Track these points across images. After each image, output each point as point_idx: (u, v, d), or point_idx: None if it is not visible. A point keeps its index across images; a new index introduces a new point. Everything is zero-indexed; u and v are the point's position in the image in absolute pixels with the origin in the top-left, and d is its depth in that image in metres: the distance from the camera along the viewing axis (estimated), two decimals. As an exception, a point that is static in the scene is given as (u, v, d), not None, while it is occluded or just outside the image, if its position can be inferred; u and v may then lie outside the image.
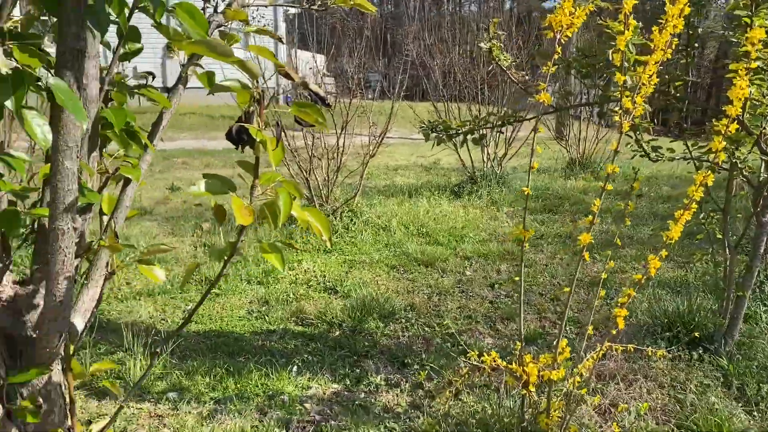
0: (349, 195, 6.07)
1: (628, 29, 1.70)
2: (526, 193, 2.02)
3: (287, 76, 0.88)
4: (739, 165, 2.42)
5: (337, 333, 3.40)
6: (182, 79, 1.12)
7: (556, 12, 1.93)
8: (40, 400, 0.95)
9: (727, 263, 2.89)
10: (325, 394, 2.74)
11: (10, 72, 0.66)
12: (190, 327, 3.41)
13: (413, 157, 10.87)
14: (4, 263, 0.95)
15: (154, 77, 1.14)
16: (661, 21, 1.81)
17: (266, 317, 3.63)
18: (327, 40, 6.78)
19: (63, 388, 1.02)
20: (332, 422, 2.50)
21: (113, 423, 1.00)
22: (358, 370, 2.96)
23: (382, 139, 6.01)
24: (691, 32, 2.59)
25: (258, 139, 0.80)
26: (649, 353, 2.46)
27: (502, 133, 7.53)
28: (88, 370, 1.05)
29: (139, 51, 1.01)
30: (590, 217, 1.86)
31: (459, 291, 4.09)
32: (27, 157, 0.90)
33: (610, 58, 2.18)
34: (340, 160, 5.91)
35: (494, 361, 2.10)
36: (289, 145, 5.73)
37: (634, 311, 3.47)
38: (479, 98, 8.11)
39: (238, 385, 2.78)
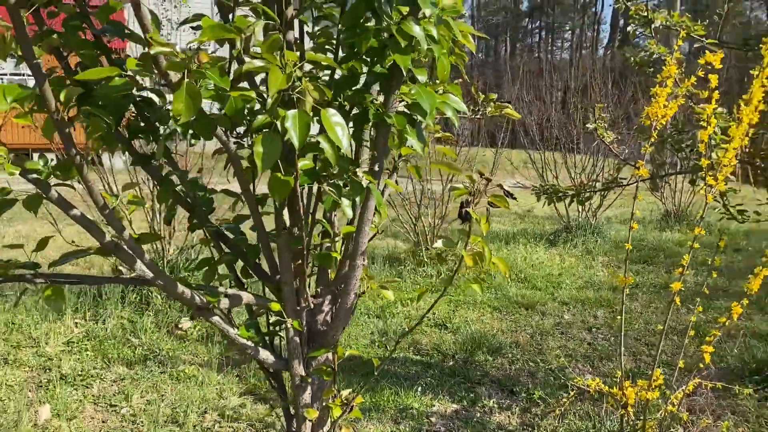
0: (451, 241, 6.62)
1: (710, 125, 2.18)
2: (627, 248, 2.49)
3: (483, 177, 1.44)
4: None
5: (451, 363, 3.91)
6: (396, 169, 1.72)
7: (652, 105, 2.44)
8: (332, 366, 1.54)
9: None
10: (446, 411, 3.25)
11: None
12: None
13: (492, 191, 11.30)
14: (305, 287, 1.56)
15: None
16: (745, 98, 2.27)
17: (387, 346, 4.19)
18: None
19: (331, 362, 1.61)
20: (455, 433, 3.00)
21: (361, 391, 1.58)
22: (472, 395, 3.45)
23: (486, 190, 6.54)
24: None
25: (474, 218, 1.36)
26: (738, 391, 2.83)
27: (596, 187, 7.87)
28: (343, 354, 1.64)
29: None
30: (680, 269, 2.31)
31: (559, 332, 4.51)
32: (327, 223, 1.53)
33: (699, 138, 2.64)
34: (445, 209, 6.50)
35: (598, 386, 2.55)
36: (400, 193, 6.39)
37: (725, 357, 3.79)
38: (575, 150, 8.51)
39: (373, 399, 3.33)
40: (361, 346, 4.19)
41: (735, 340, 4.12)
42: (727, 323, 2.45)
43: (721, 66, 2.15)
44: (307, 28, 1.62)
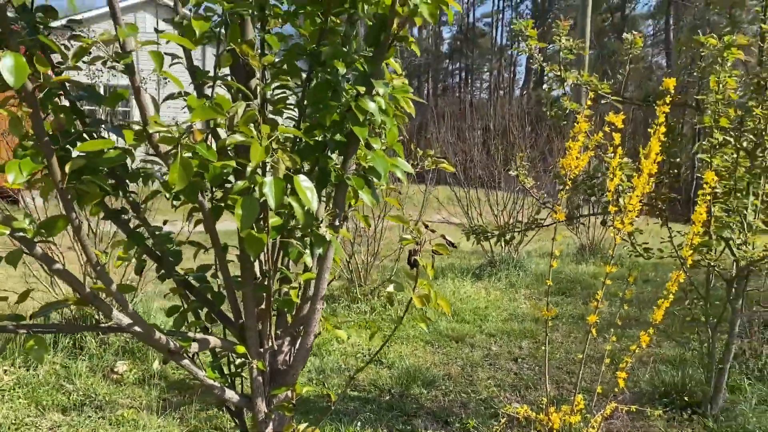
0: (384, 277, 6.83)
1: (615, 176, 2.49)
2: (548, 284, 2.76)
3: (428, 228, 1.64)
4: (712, 264, 3.16)
5: (388, 397, 4.06)
6: (347, 218, 1.90)
7: (566, 157, 2.74)
8: (293, 402, 1.67)
9: (710, 341, 3.57)
10: (385, 444, 3.39)
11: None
12: (266, 389, 4.10)
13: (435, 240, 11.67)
14: (268, 330, 1.69)
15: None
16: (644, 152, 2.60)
17: (325, 383, 4.30)
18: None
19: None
20: (395, 464, 3.15)
21: (322, 420, 1.72)
22: (409, 427, 3.61)
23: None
24: (672, 161, 3.40)
25: (421, 264, 1.56)
26: (649, 413, 3.13)
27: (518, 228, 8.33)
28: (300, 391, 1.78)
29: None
30: (595, 302, 2.59)
31: (488, 364, 4.76)
32: (290, 272, 1.68)
33: (608, 186, 2.97)
34: (377, 247, 6.71)
35: (526, 413, 2.77)
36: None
37: (638, 382, 4.12)
38: (497, 188, 8.97)
39: (315, 436, 3.43)
40: (300, 384, 4.27)
41: (646, 366, 4.49)
42: (638, 350, 2.74)
43: (623, 125, 2.47)
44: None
